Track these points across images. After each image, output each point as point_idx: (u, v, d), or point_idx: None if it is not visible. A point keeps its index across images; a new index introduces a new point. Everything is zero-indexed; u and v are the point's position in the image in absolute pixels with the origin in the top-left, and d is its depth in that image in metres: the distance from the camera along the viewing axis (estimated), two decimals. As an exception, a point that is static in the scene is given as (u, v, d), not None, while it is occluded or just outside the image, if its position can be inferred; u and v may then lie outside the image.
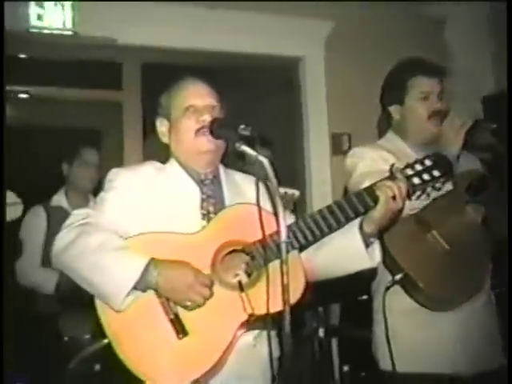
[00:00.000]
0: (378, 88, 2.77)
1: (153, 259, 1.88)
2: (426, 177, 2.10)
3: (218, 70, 4.24)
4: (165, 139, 2.22)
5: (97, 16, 4.35)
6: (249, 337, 2.02)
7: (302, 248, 2.08)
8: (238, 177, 2.27)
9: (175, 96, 2.16)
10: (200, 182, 2.14)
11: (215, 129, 2.02)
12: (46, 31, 4.33)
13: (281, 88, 5.02)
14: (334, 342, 3.95)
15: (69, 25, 4.34)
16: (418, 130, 2.56)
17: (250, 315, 1.92)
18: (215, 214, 2.08)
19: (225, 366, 1.95)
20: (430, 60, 2.68)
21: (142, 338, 1.91)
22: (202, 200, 2.11)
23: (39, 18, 4.28)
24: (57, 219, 3.57)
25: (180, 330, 1.92)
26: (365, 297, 3.21)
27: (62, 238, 1.98)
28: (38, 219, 3.59)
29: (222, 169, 2.24)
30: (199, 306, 1.90)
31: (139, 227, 1.98)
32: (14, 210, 1.64)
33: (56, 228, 3.51)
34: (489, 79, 4.88)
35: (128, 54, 4.61)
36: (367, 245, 2.07)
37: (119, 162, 4.56)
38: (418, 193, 2.13)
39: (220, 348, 1.91)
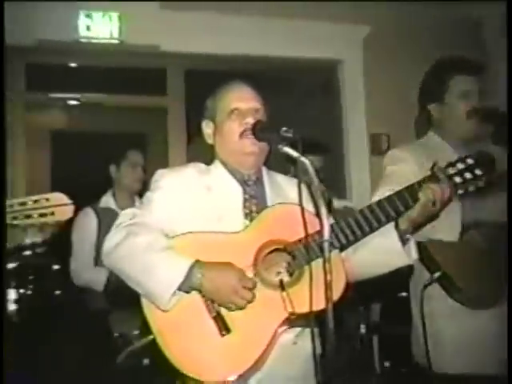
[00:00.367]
0: (415, 88, 2.75)
1: (197, 261, 1.92)
2: (467, 176, 2.08)
3: (259, 75, 4.33)
4: (210, 141, 2.27)
5: (142, 25, 4.52)
6: (290, 334, 2.03)
7: (342, 248, 2.08)
8: (280, 178, 2.30)
9: (220, 99, 2.20)
10: (243, 183, 2.18)
11: (258, 131, 2.05)
12: (94, 41, 4.52)
13: (320, 90, 5.09)
14: (375, 339, 3.95)
15: (115, 34, 4.53)
16: (458, 129, 2.52)
17: (291, 314, 1.93)
18: (258, 213, 2.11)
19: (265, 363, 1.97)
20: (469, 58, 2.63)
21: (185, 335, 1.94)
22: (245, 200, 2.15)
23: (88, 28, 4.48)
24: (106, 220, 3.68)
25: (222, 327, 1.94)
26: (404, 294, 3.22)
27: (111, 239, 2.05)
28: (88, 220, 3.71)
29: (264, 170, 2.27)
30: (241, 308, 1.93)
31: (184, 226, 2.03)
32: (64, 211, 1.74)
33: (106, 228, 3.65)
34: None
35: (172, 60, 4.76)
36: (403, 242, 2.08)
37: (164, 165, 4.70)
38: (460, 192, 2.11)
39: (261, 345, 1.93)
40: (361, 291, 2.34)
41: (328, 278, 1.66)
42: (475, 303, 2.37)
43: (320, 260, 1.75)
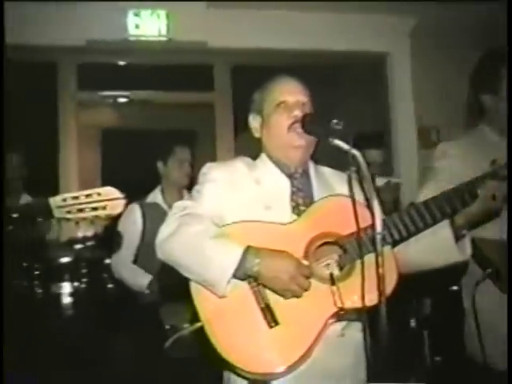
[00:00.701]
0: (465, 80, 2.64)
1: (250, 247, 1.92)
2: None
3: (306, 68, 4.33)
4: (257, 134, 2.25)
5: (189, 22, 4.57)
6: (337, 326, 2.01)
7: (394, 243, 2.05)
8: (327, 172, 2.28)
9: (268, 92, 2.19)
10: (290, 176, 2.16)
11: (307, 124, 2.03)
12: (142, 39, 4.59)
13: (368, 83, 5.05)
14: (426, 333, 3.91)
15: (164, 32, 4.60)
16: None
17: (340, 309, 1.92)
18: (304, 206, 2.10)
19: (312, 355, 1.95)
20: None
21: (233, 326, 1.94)
22: (292, 193, 2.14)
23: (137, 27, 4.56)
24: (152, 215, 3.73)
25: (271, 319, 1.93)
26: (455, 287, 3.17)
27: (164, 230, 2.06)
28: (133, 217, 3.71)
29: (311, 164, 2.25)
30: (297, 296, 1.92)
31: (233, 218, 2.04)
32: (115, 205, 1.77)
33: (151, 224, 3.75)
34: None
35: (219, 56, 4.81)
36: (458, 238, 2.03)
37: (212, 161, 4.73)
38: None
39: (309, 338, 1.92)
40: (412, 285, 2.31)
41: (380, 271, 1.65)
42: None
43: (372, 255, 1.73)
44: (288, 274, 1.88)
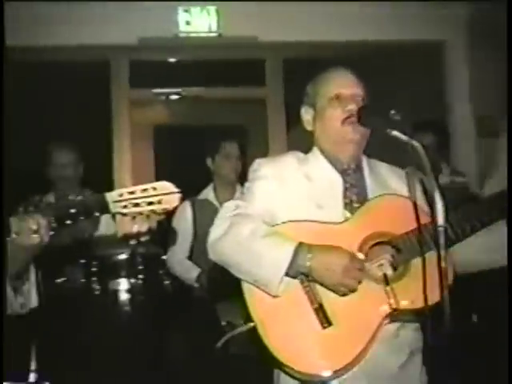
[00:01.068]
0: None
1: (302, 243, 1.89)
2: None
3: (360, 59, 4.26)
4: (309, 127, 2.21)
5: (239, 17, 4.56)
6: (391, 327, 1.96)
7: (456, 240, 1.96)
8: (382, 167, 2.22)
9: (322, 85, 2.14)
10: (343, 171, 2.12)
11: (363, 117, 1.99)
12: (193, 35, 4.61)
13: (425, 73, 4.94)
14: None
15: (214, 27, 4.60)
16: None
17: (394, 309, 1.87)
18: (358, 203, 2.06)
19: (367, 356, 1.91)
20: None
21: (285, 325, 1.93)
22: (345, 189, 2.09)
23: (187, 23, 4.58)
24: (203, 212, 3.76)
25: (324, 319, 1.90)
26: None
27: (215, 231, 2.05)
28: (184, 214, 3.75)
29: (364, 159, 2.19)
30: (352, 291, 1.89)
31: (284, 215, 2.01)
32: (171, 200, 1.76)
33: (202, 220, 3.77)
34: None
35: (270, 50, 4.78)
36: None
37: (264, 156, 4.73)
38: None
39: (363, 340, 1.88)
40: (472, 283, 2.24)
41: (443, 265, 1.60)
42: None
43: (427, 255, 1.71)
44: (341, 267, 1.84)
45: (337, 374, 1.87)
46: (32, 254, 1.78)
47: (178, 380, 3.42)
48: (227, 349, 2.79)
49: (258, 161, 2.18)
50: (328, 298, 1.92)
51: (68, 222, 1.75)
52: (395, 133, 1.80)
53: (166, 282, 3.42)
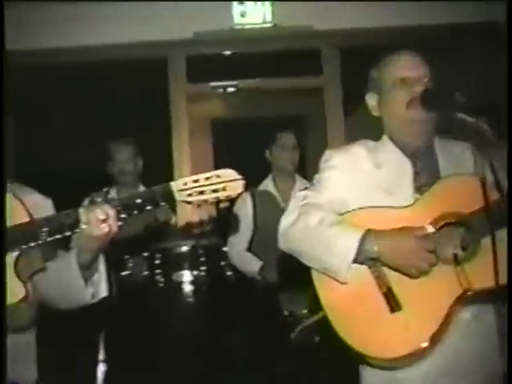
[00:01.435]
0: None
1: (369, 230, 1.89)
2: None
3: (415, 44, 4.16)
4: (375, 113, 2.20)
5: (293, 7, 4.54)
6: (470, 309, 1.94)
7: None
8: (456, 145, 2.18)
9: (385, 69, 2.12)
10: (413, 155, 2.10)
11: (428, 99, 1.97)
12: (248, 27, 4.61)
13: (482, 55, 4.81)
14: None
15: (269, 18, 4.59)
16: None
17: (467, 290, 1.84)
18: (429, 186, 2.03)
19: (444, 340, 1.88)
20: None
21: (356, 312, 1.93)
22: (416, 173, 2.08)
23: (242, 15, 4.58)
24: (263, 203, 3.79)
25: (393, 303, 1.89)
26: None
27: (284, 221, 2.09)
28: (244, 205, 3.77)
29: (436, 140, 2.17)
30: (424, 273, 1.86)
31: (354, 204, 2.02)
32: (235, 186, 1.76)
33: (262, 211, 3.78)
34: None
35: (326, 39, 4.73)
36: None
37: (323, 145, 4.71)
38: None
39: (435, 323, 1.85)
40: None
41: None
42: None
43: (496, 234, 1.66)
44: (410, 249, 1.83)
45: (414, 356, 1.86)
46: (101, 244, 1.81)
47: (241, 370, 3.44)
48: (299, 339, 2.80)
49: (328, 152, 2.20)
50: (396, 282, 1.90)
51: (135, 211, 1.77)
52: (461, 115, 1.78)
53: (228, 273, 3.45)
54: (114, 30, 4.51)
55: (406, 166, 2.09)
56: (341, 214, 2.01)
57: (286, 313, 3.31)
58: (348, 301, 1.94)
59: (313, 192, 2.12)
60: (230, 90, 4.90)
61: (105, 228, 1.73)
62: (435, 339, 1.86)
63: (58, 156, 4.86)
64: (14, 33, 4.41)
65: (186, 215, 4.08)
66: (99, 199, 1.79)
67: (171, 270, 3.34)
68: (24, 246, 1.81)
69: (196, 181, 1.74)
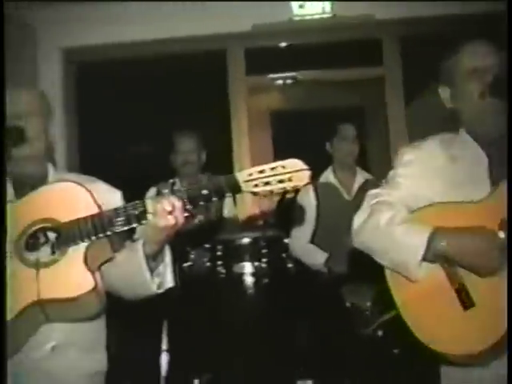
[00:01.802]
0: None
1: (438, 228, 1.88)
2: None
3: (477, 33, 4.05)
4: (449, 105, 2.15)
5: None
6: None
7: None
8: None
9: (459, 60, 2.08)
10: (488, 147, 2.05)
11: (501, 88, 1.92)
12: (307, 18, 4.58)
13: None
14: None
15: (328, 9, 4.55)
16: None
17: None
18: (504, 179, 1.95)
19: None
20: None
21: (429, 309, 1.91)
22: (491, 165, 2.02)
23: (301, 6, 4.55)
24: (326, 195, 3.79)
25: (466, 300, 1.86)
26: None
27: (358, 218, 2.09)
28: (307, 197, 3.76)
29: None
30: (493, 272, 1.82)
31: (428, 199, 2.00)
32: (301, 177, 1.75)
33: (325, 203, 3.76)
34: None
35: (386, 29, 4.66)
36: None
37: (384, 137, 4.65)
38: None
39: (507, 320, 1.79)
40: None
41: None
42: None
43: None
44: (480, 249, 1.80)
45: (491, 351, 1.81)
46: (167, 235, 1.83)
47: (302, 362, 3.44)
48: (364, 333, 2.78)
49: (402, 148, 2.19)
50: (470, 278, 1.87)
51: (201, 202, 1.78)
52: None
53: (290, 265, 3.44)
54: (175, 25, 4.55)
55: (482, 159, 2.04)
56: (413, 211, 2.00)
57: (348, 304, 3.30)
58: (421, 298, 1.92)
59: (385, 190, 2.12)
60: (289, 81, 4.89)
61: (171, 220, 1.75)
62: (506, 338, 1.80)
63: (123, 148, 4.97)
64: (78, 30, 4.53)
65: (246, 207, 4.10)
66: (166, 190, 1.79)
67: (233, 261, 3.34)
68: (93, 237, 1.85)
69: (261, 171, 1.74)
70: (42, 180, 2.11)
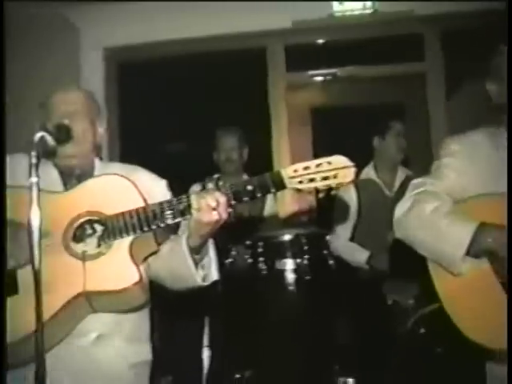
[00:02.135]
0: None
1: (484, 223, 1.86)
2: None
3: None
4: (496, 101, 2.12)
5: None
6: None
7: None
8: None
9: (503, 55, 2.05)
10: None
11: None
12: (347, 13, 4.55)
13: None
14: None
15: (368, 4, 4.52)
16: None
17: None
18: None
19: None
20: None
21: (474, 302, 1.90)
22: None
23: (340, 3, 4.55)
24: (367, 191, 3.77)
25: None
26: None
27: (401, 208, 2.07)
28: (348, 194, 3.75)
29: None
30: None
31: (473, 190, 1.99)
32: (346, 174, 1.74)
33: (366, 200, 3.74)
34: None
35: (428, 24, 4.61)
36: None
37: (425, 133, 4.59)
38: None
39: None
40: None
41: None
42: None
43: None
44: None
45: None
46: (211, 230, 1.85)
47: (343, 359, 3.42)
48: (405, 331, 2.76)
49: (447, 139, 2.17)
50: None
51: (245, 198, 1.79)
52: None
53: (331, 262, 3.42)
54: (215, 23, 4.57)
55: None
56: (458, 202, 1.99)
57: (389, 302, 3.28)
58: (465, 291, 1.90)
59: (430, 179, 2.10)
60: (329, 78, 4.86)
61: (215, 215, 1.76)
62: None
63: (163, 146, 5.02)
64: (120, 29, 4.59)
65: (286, 203, 4.10)
66: (211, 185, 1.81)
67: (274, 258, 3.34)
68: (138, 231, 1.88)
69: (306, 168, 1.73)
70: (88, 173, 2.15)
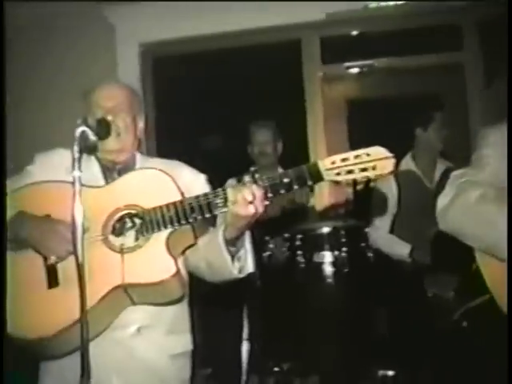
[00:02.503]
0: None
1: None
2: None
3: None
4: None
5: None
6: None
7: None
8: None
9: None
10: None
11: None
12: (382, 4, 4.50)
13: None
14: None
15: (403, -4, 4.47)
16: None
17: None
18: None
19: None
20: None
21: None
22: None
23: (375, -5, 4.50)
24: (406, 182, 3.73)
25: None
26: None
27: (442, 199, 2.05)
28: (388, 185, 3.72)
29: None
30: None
31: None
32: (385, 165, 1.71)
33: (406, 191, 3.69)
34: None
35: (464, 13, 4.53)
36: None
37: (463, 123, 4.52)
38: None
39: None
40: None
41: None
42: None
43: None
44: None
45: None
46: (247, 223, 1.85)
47: (382, 352, 3.41)
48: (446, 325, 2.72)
49: (485, 129, 2.15)
50: None
51: (282, 191, 1.79)
52: None
53: (369, 255, 3.41)
54: (249, 16, 4.56)
55: None
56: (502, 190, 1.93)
57: (430, 295, 3.24)
58: None
59: (471, 170, 2.07)
60: (365, 69, 4.81)
61: (251, 209, 1.76)
62: None
63: (198, 140, 5.05)
64: (154, 25, 4.62)
65: (323, 195, 4.09)
66: (247, 178, 1.81)
67: (312, 250, 3.34)
68: (176, 224, 1.90)
69: (344, 159, 1.72)
70: (130, 168, 2.18)
